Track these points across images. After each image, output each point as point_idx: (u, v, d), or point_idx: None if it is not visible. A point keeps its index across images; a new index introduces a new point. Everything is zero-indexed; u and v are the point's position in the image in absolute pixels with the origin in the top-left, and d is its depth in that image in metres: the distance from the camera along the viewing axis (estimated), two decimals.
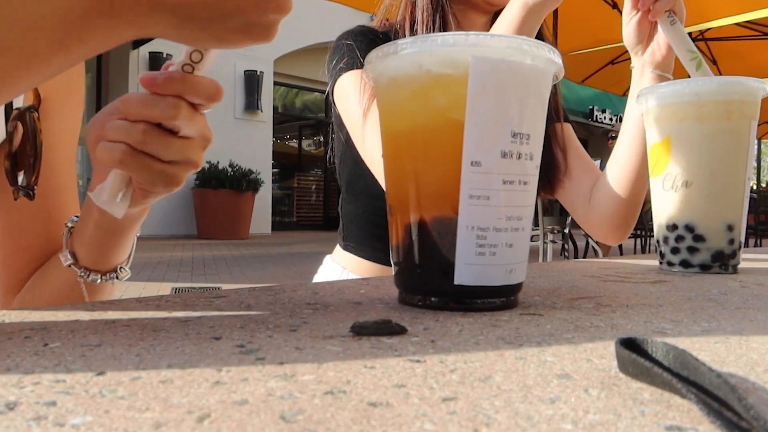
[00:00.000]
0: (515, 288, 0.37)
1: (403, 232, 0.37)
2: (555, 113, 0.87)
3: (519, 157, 0.34)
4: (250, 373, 0.23)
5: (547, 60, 0.35)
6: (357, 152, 0.81)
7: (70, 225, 0.50)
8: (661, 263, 0.61)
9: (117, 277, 0.49)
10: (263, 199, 8.72)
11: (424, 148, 0.35)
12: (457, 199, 0.34)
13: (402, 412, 0.19)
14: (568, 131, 0.89)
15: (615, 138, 5.14)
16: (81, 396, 0.20)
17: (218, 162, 7.91)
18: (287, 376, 0.22)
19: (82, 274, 0.48)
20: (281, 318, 0.33)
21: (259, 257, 5.76)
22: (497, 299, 0.36)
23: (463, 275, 0.34)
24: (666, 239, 0.60)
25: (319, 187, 11.45)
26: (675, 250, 0.59)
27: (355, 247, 0.90)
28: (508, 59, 0.34)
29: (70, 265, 0.48)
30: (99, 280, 0.48)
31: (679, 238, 0.59)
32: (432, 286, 0.36)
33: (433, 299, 0.36)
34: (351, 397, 0.20)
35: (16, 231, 0.55)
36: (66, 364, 0.23)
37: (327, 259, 0.96)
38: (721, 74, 3.94)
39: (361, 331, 0.29)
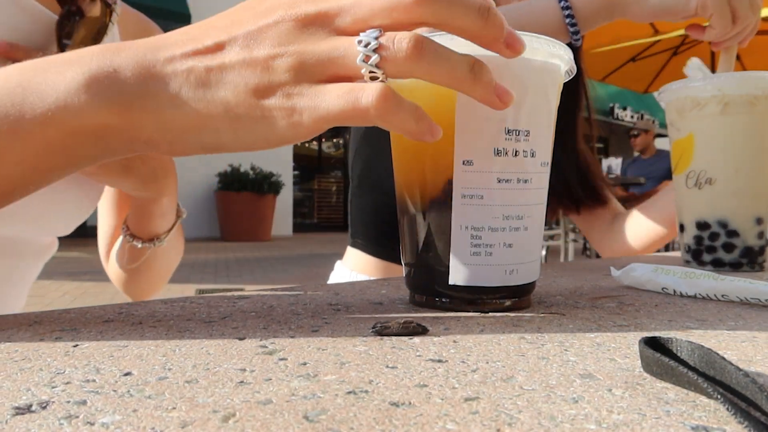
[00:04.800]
0: (521, 289, 0.36)
1: (407, 233, 0.37)
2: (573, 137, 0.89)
3: (516, 155, 0.33)
4: (274, 373, 0.23)
5: (547, 53, 0.34)
6: (372, 146, 0.81)
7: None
8: (689, 262, 0.60)
9: (153, 245, 0.59)
10: (284, 201, 8.78)
11: (420, 149, 0.35)
12: (451, 199, 0.33)
13: (424, 411, 0.19)
14: (592, 163, 0.91)
15: (637, 136, 5.08)
16: (110, 395, 0.20)
17: (240, 165, 7.99)
18: (310, 376, 0.22)
19: (129, 239, 0.59)
20: (303, 319, 0.33)
21: (280, 259, 5.80)
22: (506, 300, 0.36)
23: (458, 275, 0.34)
24: (699, 239, 0.59)
25: (339, 188, 11.49)
26: (711, 249, 0.58)
27: (363, 243, 0.91)
28: (497, 55, 0.33)
29: (124, 234, 0.59)
30: (139, 246, 0.59)
31: (714, 236, 0.57)
32: (432, 287, 0.36)
33: (435, 299, 0.36)
34: (373, 397, 0.20)
35: (121, 208, 0.67)
36: (95, 365, 0.24)
37: (337, 264, 0.96)
38: (745, 69, 3.86)
39: (382, 331, 0.29)
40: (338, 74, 0.28)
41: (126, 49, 0.30)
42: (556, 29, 0.64)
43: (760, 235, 0.56)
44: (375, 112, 0.27)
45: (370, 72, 0.27)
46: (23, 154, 0.30)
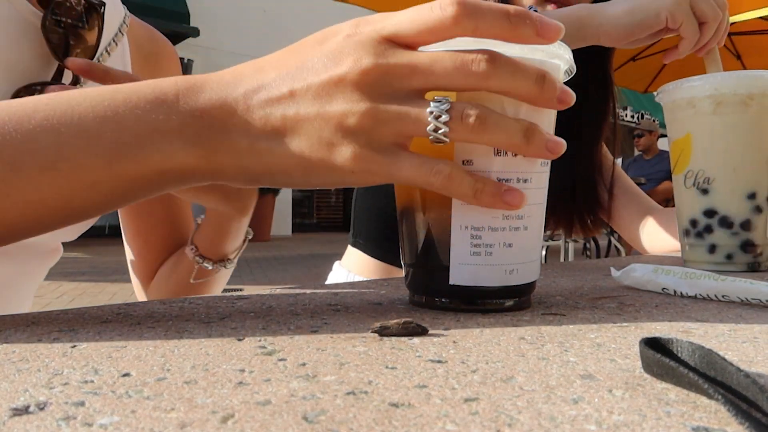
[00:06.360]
0: (521, 289, 0.36)
1: (407, 233, 0.37)
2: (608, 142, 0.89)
3: (515, 154, 0.33)
4: (273, 373, 0.23)
5: (546, 52, 0.34)
6: None
7: (198, 221, 0.60)
8: (686, 262, 0.60)
9: (224, 266, 0.60)
10: (283, 201, 8.78)
11: (420, 149, 0.35)
12: (451, 199, 0.33)
13: (424, 412, 0.19)
14: (616, 168, 0.91)
15: (641, 136, 5.08)
16: (108, 396, 0.20)
17: None
18: (309, 377, 0.22)
19: (199, 260, 0.59)
20: (302, 319, 0.33)
21: (280, 259, 5.80)
22: (506, 300, 0.35)
23: (459, 275, 0.34)
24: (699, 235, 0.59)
25: (338, 188, 11.49)
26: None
27: (364, 243, 0.91)
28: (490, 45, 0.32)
29: (193, 255, 0.59)
30: (210, 267, 0.59)
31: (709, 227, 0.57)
32: (431, 287, 0.36)
33: (435, 300, 0.36)
34: (373, 398, 0.20)
35: (145, 231, 0.68)
36: (93, 365, 0.24)
37: (336, 264, 0.96)
38: (745, 69, 3.86)
39: (382, 331, 0.29)
40: (405, 134, 0.30)
41: (206, 88, 0.31)
42: None
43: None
44: (440, 188, 0.31)
45: (437, 140, 0.30)
46: (115, 184, 0.32)
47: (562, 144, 0.32)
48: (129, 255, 0.71)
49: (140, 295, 0.72)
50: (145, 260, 0.69)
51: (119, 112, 0.31)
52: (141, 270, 0.70)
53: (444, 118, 0.29)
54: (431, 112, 0.29)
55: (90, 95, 0.32)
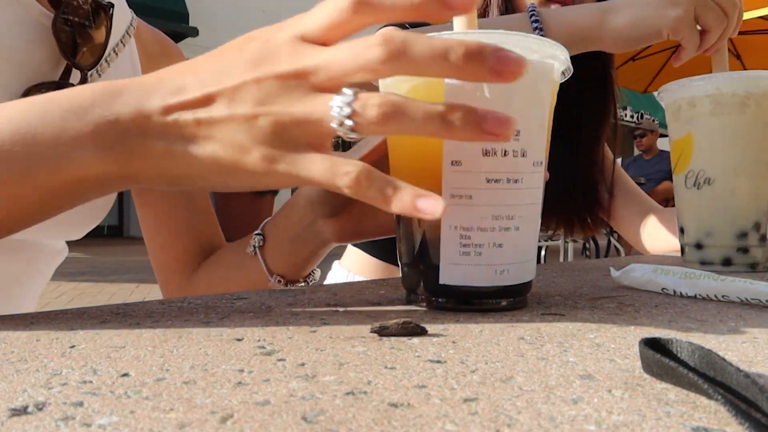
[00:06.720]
0: (514, 289, 0.36)
1: (403, 233, 0.37)
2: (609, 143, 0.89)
3: (505, 154, 0.33)
4: (272, 373, 0.23)
5: (540, 53, 0.34)
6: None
7: (257, 245, 0.56)
8: (687, 263, 0.60)
9: (315, 279, 0.58)
10: (283, 202, 8.77)
11: (410, 151, 0.35)
12: None
13: (423, 412, 0.19)
14: (617, 168, 0.91)
15: (642, 136, 5.06)
16: (107, 397, 0.20)
17: None
18: (308, 377, 0.22)
19: (290, 286, 0.55)
20: (301, 319, 0.33)
21: None
22: (500, 300, 0.35)
23: (448, 275, 0.34)
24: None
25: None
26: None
27: (363, 243, 0.91)
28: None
29: (283, 286, 0.55)
30: (301, 284, 0.57)
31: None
32: (426, 286, 0.36)
33: (431, 299, 0.36)
34: (372, 398, 0.20)
35: (165, 220, 0.64)
36: (92, 365, 0.24)
37: (335, 264, 0.97)
38: (744, 68, 3.86)
39: (381, 331, 0.29)
40: (316, 133, 0.29)
41: (124, 93, 0.31)
42: None
43: (762, 238, 0.56)
44: (350, 192, 0.29)
45: (346, 134, 0.29)
46: (34, 195, 0.32)
47: (504, 123, 0.27)
48: (154, 249, 0.67)
49: (169, 290, 0.68)
50: (176, 251, 0.66)
51: (32, 123, 0.31)
52: (167, 264, 0.67)
53: (346, 111, 0.28)
54: (332, 106, 0.28)
55: (9, 108, 0.32)
